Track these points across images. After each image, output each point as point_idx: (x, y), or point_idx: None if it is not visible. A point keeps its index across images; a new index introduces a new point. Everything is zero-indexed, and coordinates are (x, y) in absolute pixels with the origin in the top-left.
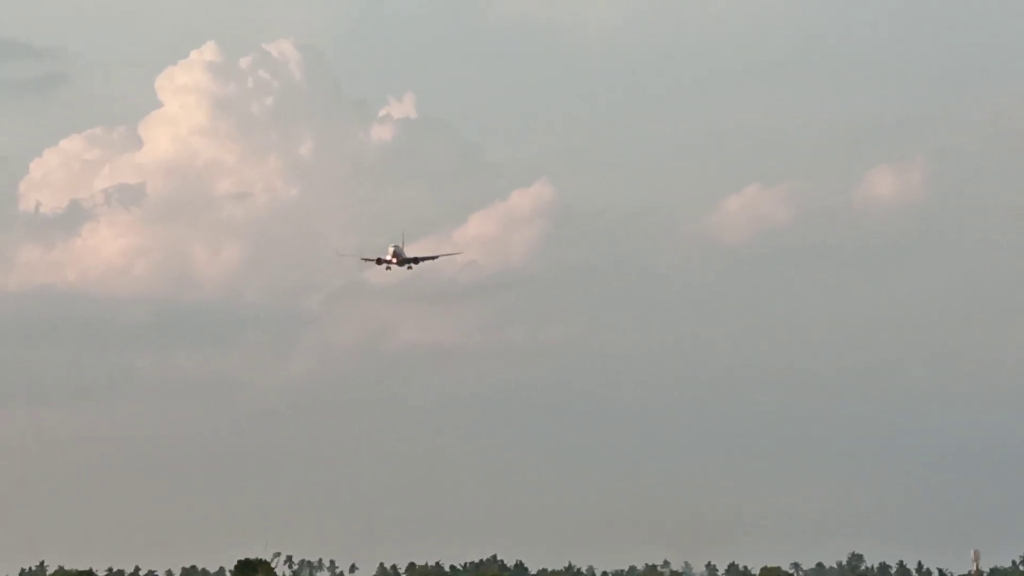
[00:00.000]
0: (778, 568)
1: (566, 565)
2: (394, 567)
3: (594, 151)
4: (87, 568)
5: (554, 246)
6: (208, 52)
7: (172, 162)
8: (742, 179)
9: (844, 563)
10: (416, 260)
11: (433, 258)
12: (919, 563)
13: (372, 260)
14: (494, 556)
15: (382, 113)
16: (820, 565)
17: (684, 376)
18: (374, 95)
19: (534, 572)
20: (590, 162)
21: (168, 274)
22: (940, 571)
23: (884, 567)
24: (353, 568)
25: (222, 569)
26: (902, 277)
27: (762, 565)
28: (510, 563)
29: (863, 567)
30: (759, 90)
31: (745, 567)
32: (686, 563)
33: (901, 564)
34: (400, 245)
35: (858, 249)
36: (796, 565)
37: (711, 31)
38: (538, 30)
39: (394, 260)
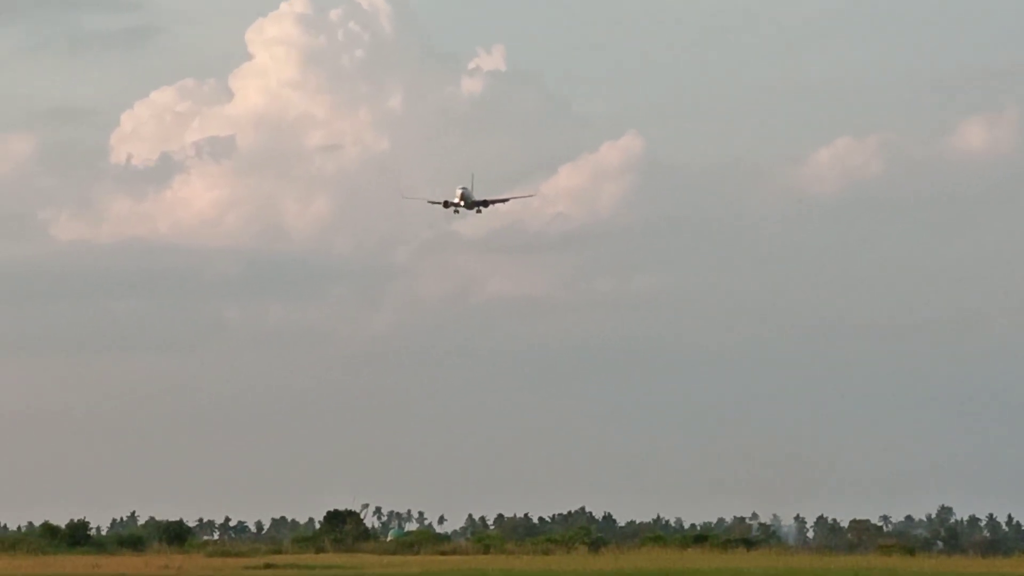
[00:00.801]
0: (867, 521)
1: (654, 517)
2: (482, 519)
3: (683, 103)
4: (177, 519)
5: (643, 198)
6: (298, 4)
7: (262, 114)
8: (832, 131)
9: (933, 516)
10: (485, 203)
11: (504, 200)
12: (1009, 516)
13: (439, 203)
14: (582, 508)
15: (471, 66)
16: (909, 518)
17: (771, 328)
18: (464, 48)
19: (622, 524)
20: (679, 114)
21: (258, 226)
22: None
23: (973, 520)
24: (442, 519)
25: (311, 520)
26: (991, 228)
27: (851, 518)
28: (598, 515)
29: (952, 520)
30: (849, 40)
31: (834, 520)
32: (775, 515)
33: (991, 517)
34: (469, 187)
35: (948, 201)
36: (885, 518)
37: None
38: None
39: (462, 203)
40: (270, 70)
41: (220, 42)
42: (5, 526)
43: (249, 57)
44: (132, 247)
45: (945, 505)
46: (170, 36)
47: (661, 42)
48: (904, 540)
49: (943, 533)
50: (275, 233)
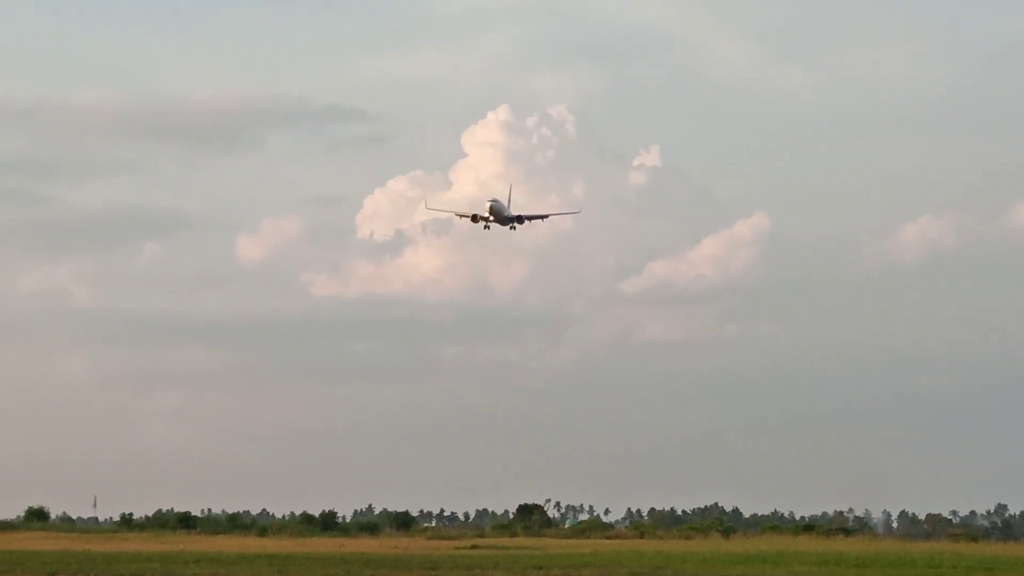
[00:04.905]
0: (939, 514)
1: (772, 510)
2: (638, 510)
3: (800, 189)
4: (404, 510)
5: (766, 263)
6: (502, 114)
7: (475, 200)
8: (917, 210)
9: (992, 511)
10: (520, 219)
11: (543, 217)
12: None
13: (466, 216)
14: (716, 503)
15: (636, 163)
16: (973, 512)
17: (867, 360)
18: (629, 148)
19: (747, 515)
20: (797, 197)
21: (469, 285)
22: None
23: None
24: (607, 511)
25: (507, 511)
26: None
27: (927, 512)
28: (728, 508)
29: (1007, 514)
30: (931, 138)
31: (913, 513)
32: (867, 510)
33: None
34: (501, 200)
35: (1008, 266)
36: (954, 512)
37: (883, 90)
38: (755, 94)
39: (491, 217)
40: (480, 165)
41: (442, 144)
42: (273, 515)
43: (464, 155)
44: (373, 301)
45: (1001, 503)
46: (404, 139)
47: (782, 139)
48: (969, 530)
49: (1000, 525)
50: (482, 290)
